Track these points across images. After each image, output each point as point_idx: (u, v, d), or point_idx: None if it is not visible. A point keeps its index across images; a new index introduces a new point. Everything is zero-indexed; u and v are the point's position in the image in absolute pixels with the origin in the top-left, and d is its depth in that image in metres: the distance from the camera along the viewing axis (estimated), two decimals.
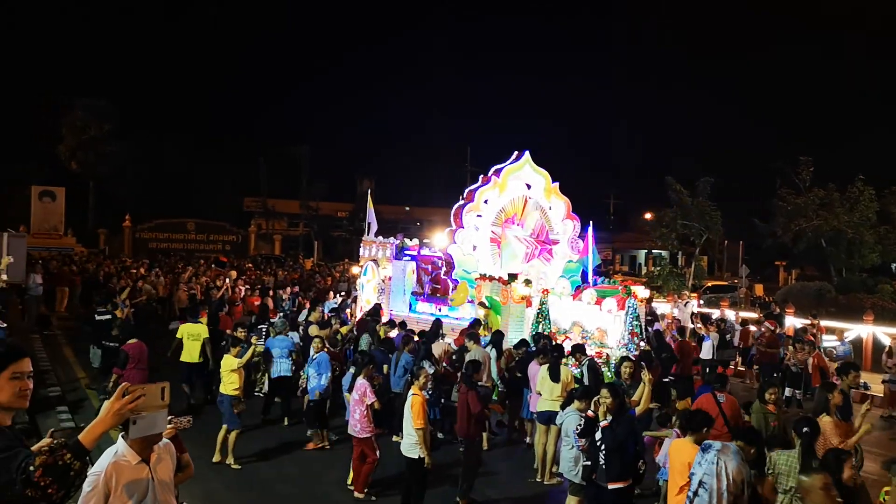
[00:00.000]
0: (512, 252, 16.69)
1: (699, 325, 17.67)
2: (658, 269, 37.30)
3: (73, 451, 2.65)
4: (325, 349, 11.14)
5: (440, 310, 15.45)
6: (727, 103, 79.73)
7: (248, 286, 22.71)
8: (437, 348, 12.28)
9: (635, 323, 14.13)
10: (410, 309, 16.22)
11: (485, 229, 16.46)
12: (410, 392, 8.39)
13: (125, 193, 56.58)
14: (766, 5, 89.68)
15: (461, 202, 16.48)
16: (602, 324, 14.36)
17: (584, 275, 17.15)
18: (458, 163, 59.26)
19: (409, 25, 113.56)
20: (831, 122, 58.66)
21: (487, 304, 14.33)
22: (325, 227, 58.79)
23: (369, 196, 20.42)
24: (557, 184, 17.38)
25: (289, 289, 21.45)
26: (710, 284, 36.36)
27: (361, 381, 9.02)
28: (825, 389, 7.83)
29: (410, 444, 8.17)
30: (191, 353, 12.56)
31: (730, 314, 22.38)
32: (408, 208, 62.88)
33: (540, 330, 13.62)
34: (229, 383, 10.10)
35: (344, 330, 13.54)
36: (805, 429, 6.44)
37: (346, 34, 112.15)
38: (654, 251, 51.76)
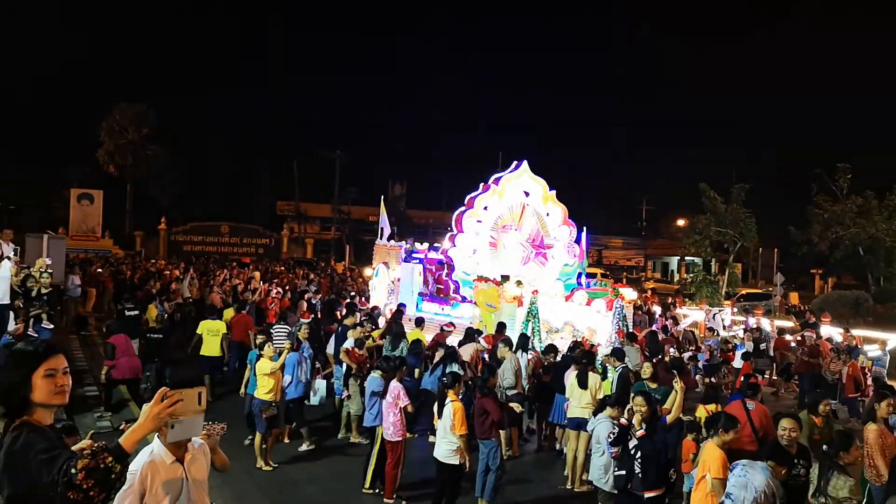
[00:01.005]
0: (509, 255, 17.51)
1: (732, 334, 17.50)
2: (691, 276, 36.96)
3: (114, 454, 2.70)
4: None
5: (443, 308, 16.18)
6: (759, 107, 78.92)
7: (279, 289, 22.89)
8: (468, 350, 12.32)
9: (623, 323, 15.30)
10: (417, 308, 16.84)
11: (484, 234, 17.43)
12: (448, 399, 8.42)
13: (161, 196, 57.45)
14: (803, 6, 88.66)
15: (462, 208, 17.43)
16: (591, 323, 15.33)
17: (579, 277, 18.07)
18: (491, 169, 59.22)
19: (443, 31, 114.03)
20: (868, 128, 57.71)
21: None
22: (357, 230, 59.09)
23: (382, 202, 21.45)
24: (554, 192, 18.16)
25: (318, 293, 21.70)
26: (743, 292, 35.95)
27: (395, 384, 9.04)
28: (877, 398, 7.71)
29: (448, 450, 8.20)
30: (210, 348, 13.58)
31: (765, 323, 22.09)
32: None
33: (530, 328, 14.36)
34: (261, 387, 10.18)
35: (376, 334, 13.53)
36: (824, 446, 6.35)
37: (379, 40, 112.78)
38: (686, 258, 51.22)
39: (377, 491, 9.13)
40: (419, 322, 14.38)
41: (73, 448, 2.80)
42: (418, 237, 24.21)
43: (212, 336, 13.64)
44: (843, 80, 68.63)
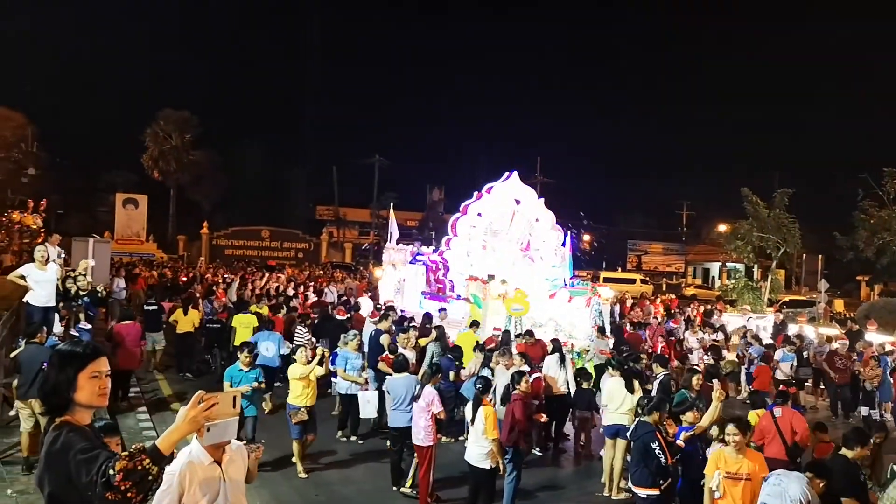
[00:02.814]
0: (499, 257, 18.76)
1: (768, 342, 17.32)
2: (733, 282, 36.41)
3: (152, 456, 2.74)
4: None
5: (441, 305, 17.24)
6: (804, 110, 77.56)
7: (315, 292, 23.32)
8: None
9: (599, 318, 16.73)
10: (419, 306, 18.11)
11: (477, 238, 18.99)
12: (482, 403, 8.42)
13: (204, 201, 58.33)
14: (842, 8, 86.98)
15: (458, 215, 19.41)
16: (572, 319, 16.49)
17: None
18: (529, 173, 59.26)
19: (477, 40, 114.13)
20: None
21: (472, 299, 16.43)
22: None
23: (391, 209, 23.76)
24: (542, 199, 19.93)
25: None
26: (786, 299, 35.30)
27: (429, 389, 9.04)
28: None
29: (480, 453, 8.19)
30: (243, 339, 14.17)
31: (808, 330, 21.65)
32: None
33: (512, 323, 15.45)
34: (292, 391, 10.17)
35: (423, 342, 13.43)
36: None
37: (421, 47, 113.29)
38: (728, 264, 50.48)
39: (413, 494, 9.17)
40: (475, 324, 14.66)
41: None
42: None
43: (244, 328, 14.79)
44: (891, 83, 67.13)
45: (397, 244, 22.48)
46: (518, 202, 19.26)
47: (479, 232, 18.98)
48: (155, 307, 17.00)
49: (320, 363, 10.45)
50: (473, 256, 18.76)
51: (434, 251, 19.77)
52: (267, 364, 12.81)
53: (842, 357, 15.97)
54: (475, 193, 19.53)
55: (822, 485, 5.94)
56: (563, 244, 19.60)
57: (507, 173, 19.53)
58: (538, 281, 17.98)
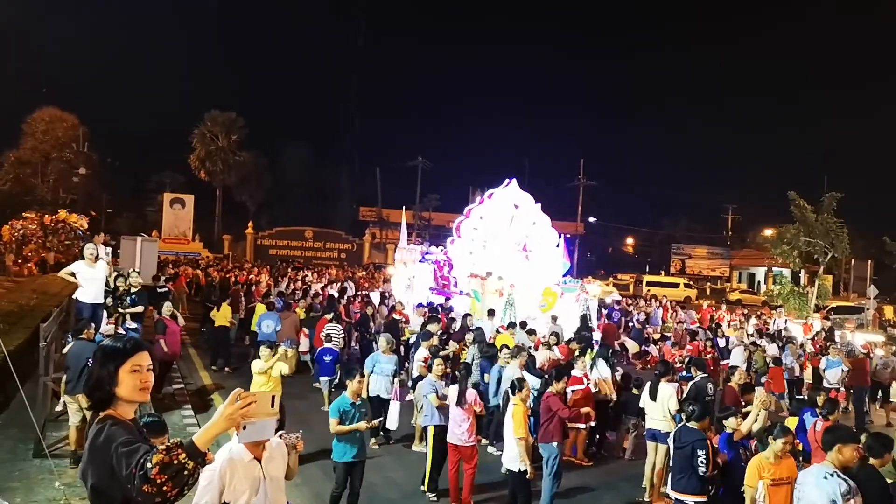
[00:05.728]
0: (499, 256, 20.43)
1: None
2: (779, 287, 35.75)
3: (188, 451, 2.75)
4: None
5: (446, 300, 18.89)
6: (851, 112, 75.93)
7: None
8: (541, 357, 12.23)
9: (586, 313, 18.79)
10: (427, 301, 19.41)
11: (479, 239, 20.96)
12: (512, 402, 8.40)
13: (249, 201, 59.09)
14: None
15: (461, 218, 21.61)
16: (562, 312, 18.22)
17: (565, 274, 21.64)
18: (571, 176, 59.21)
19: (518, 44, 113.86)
20: None
21: (473, 294, 18.02)
22: (437, 237, 59.60)
23: (404, 211, 26.94)
24: (539, 204, 21.69)
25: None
26: (834, 305, 34.55)
27: (472, 391, 9.06)
28: None
29: (512, 455, 8.17)
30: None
31: (858, 338, 21.21)
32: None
33: (507, 315, 16.91)
34: (252, 386, 10.02)
35: (461, 352, 13.30)
36: None
37: (462, 53, 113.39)
38: (774, 269, 49.59)
39: (434, 497, 9.18)
40: (513, 325, 15.05)
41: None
42: None
43: (257, 315, 16.43)
44: None
45: (407, 244, 25.09)
46: (517, 206, 21.09)
47: (480, 233, 20.95)
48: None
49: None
50: (475, 255, 20.61)
51: (441, 250, 21.54)
52: (267, 339, 14.42)
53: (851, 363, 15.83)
54: (478, 198, 21.71)
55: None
56: (558, 245, 21.43)
57: (507, 180, 21.45)
58: (533, 277, 19.64)
